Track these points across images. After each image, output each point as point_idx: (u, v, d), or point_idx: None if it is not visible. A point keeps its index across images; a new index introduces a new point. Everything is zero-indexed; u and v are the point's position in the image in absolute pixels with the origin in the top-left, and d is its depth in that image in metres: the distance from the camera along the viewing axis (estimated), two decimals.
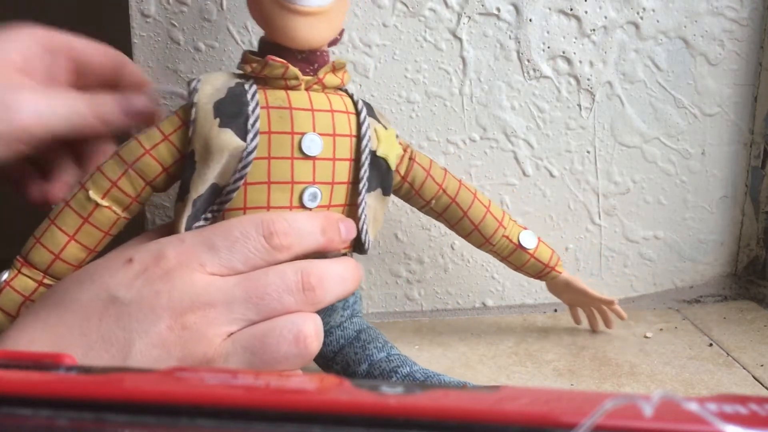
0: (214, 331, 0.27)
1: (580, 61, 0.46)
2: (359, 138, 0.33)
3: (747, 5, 0.46)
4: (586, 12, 0.45)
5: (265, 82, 0.31)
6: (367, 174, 0.33)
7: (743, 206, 0.51)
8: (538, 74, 0.46)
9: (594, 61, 0.46)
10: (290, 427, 0.13)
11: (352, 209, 0.34)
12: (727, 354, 0.42)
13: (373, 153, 0.33)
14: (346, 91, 0.34)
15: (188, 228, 0.30)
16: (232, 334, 0.27)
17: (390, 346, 0.36)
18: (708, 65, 0.47)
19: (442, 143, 0.46)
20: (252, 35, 0.43)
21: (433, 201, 0.37)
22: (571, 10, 0.45)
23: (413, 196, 0.37)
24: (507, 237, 0.39)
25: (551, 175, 0.48)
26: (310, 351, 0.28)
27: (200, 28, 0.43)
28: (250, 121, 0.29)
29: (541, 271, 0.40)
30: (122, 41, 0.44)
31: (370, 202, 0.34)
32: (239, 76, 0.32)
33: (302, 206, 0.31)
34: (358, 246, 0.34)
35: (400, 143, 0.36)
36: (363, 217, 0.33)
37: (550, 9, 0.45)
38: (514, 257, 0.40)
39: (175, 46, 0.43)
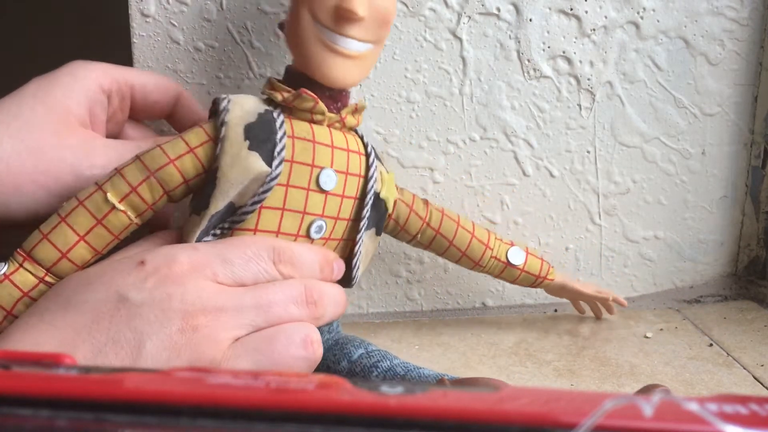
0: (224, 335, 0.27)
1: (581, 61, 0.46)
2: (366, 179, 0.34)
3: (747, 5, 0.46)
4: (586, 12, 0.45)
5: (291, 111, 0.32)
6: (368, 213, 0.34)
7: (743, 206, 0.51)
8: (538, 74, 0.46)
9: (594, 61, 0.46)
10: (290, 427, 0.13)
11: (347, 244, 0.35)
12: (728, 354, 0.42)
13: (376, 194, 0.35)
14: (356, 131, 0.35)
15: (198, 241, 0.31)
16: (239, 338, 0.28)
17: (367, 344, 0.37)
18: (708, 65, 0.47)
19: (442, 143, 0.46)
20: (252, 35, 0.43)
21: (419, 235, 0.39)
22: (571, 9, 0.45)
23: (399, 232, 0.39)
24: (495, 257, 0.41)
25: (551, 175, 0.48)
26: (317, 355, 0.29)
27: (200, 28, 0.43)
28: (277, 148, 0.30)
29: (533, 282, 0.42)
30: (122, 41, 0.44)
31: (365, 239, 0.35)
32: (265, 101, 0.33)
33: (308, 236, 0.33)
34: (345, 280, 0.35)
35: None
36: (358, 254, 0.35)
37: (550, 9, 0.45)
38: (506, 274, 0.42)
39: (174, 46, 0.43)
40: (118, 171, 0.30)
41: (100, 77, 0.35)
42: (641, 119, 0.48)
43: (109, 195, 0.30)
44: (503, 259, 0.41)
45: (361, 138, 0.35)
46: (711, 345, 0.43)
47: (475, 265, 0.41)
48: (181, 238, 0.32)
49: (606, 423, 0.13)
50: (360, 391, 0.14)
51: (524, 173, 0.48)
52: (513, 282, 0.42)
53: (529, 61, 0.45)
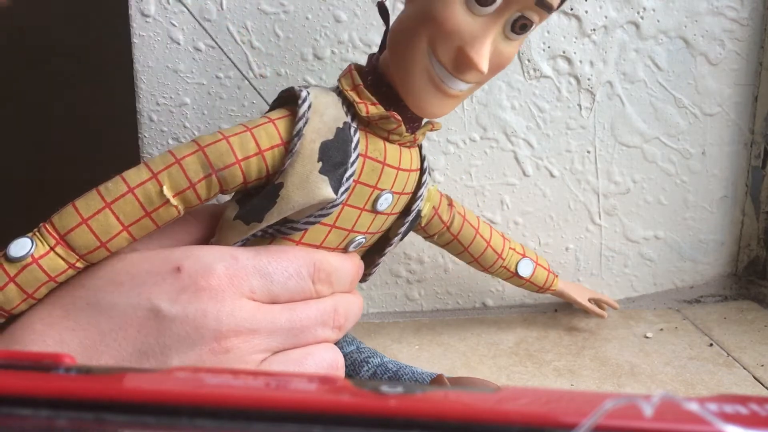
0: (254, 357, 0.27)
1: (581, 61, 0.46)
2: (414, 197, 0.33)
3: (747, 5, 0.46)
4: (586, 12, 0.45)
5: (367, 123, 0.29)
6: (404, 228, 0.34)
7: (743, 206, 0.51)
8: (538, 74, 0.46)
9: (594, 61, 0.46)
10: (290, 427, 0.13)
11: (378, 250, 0.34)
12: (728, 354, 0.42)
13: (418, 212, 0.34)
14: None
15: (236, 243, 0.29)
16: (265, 358, 0.28)
17: (358, 341, 0.38)
18: (708, 65, 0.47)
19: (442, 143, 0.46)
20: (252, 35, 0.43)
21: (436, 236, 0.39)
22: (572, 9, 0.45)
23: (418, 229, 0.38)
24: (505, 267, 0.41)
25: (551, 175, 0.48)
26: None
27: (200, 28, 0.43)
28: (348, 173, 0.28)
29: (536, 290, 0.44)
30: (122, 41, 0.44)
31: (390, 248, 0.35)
32: (342, 99, 0.30)
33: (345, 249, 0.32)
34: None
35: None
36: (382, 261, 0.35)
37: None
38: (512, 281, 0.43)
39: (175, 46, 0.43)
40: (178, 161, 0.27)
41: None
42: (641, 119, 0.48)
43: (165, 188, 0.27)
44: (512, 269, 0.41)
45: (420, 149, 0.33)
46: (711, 345, 0.43)
47: (484, 270, 0.41)
48: (218, 237, 0.30)
49: (606, 423, 0.13)
50: (360, 391, 0.14)
51: (524, 173, 0.48)
52: (518, 287, 0.43)
53: (529, 61, 0.45)
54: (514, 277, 0.42)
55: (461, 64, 0.27)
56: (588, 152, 0.48)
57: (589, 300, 0.46)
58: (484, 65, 0.27)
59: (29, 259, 0.26)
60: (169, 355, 0.25)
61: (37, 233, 0.27)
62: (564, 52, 0.46)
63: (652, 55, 0.46)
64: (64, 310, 0.26)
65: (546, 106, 0.46)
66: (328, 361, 0.29)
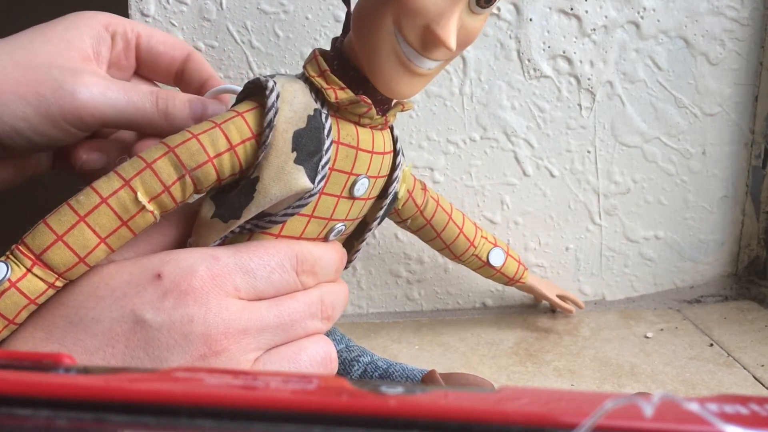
0: (246, 357, 0.27)
1: (581, 61, 0.46)
2: (389, 179, 0.32)
3: (747, 5, 0.46)
4: (586, 11, 0.45)
5: (337, 109, 0.29)
6: (382, 212, 0.33)
7: (744, 206, 0.51)
8: (538, 74, 0.46)
9: (594, 61, 0.46)
10: (290, 427, 0.13)
11: (357, 236, 0.35)
12: (728, 354, 0.42)
13: (395, 194, 0.34)
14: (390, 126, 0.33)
15: (215, 243, 0.29)
16: (258, 357, 0.27)
17: (347, 339, 0.37)
18: (709, 65, 0.47)
19: (442, 143, 0.46)
20: (252, 35, 0.43)
21: (409, 220, 0.38)
22: (572, 9, 0.45)
23: (392, 213, 0.38)
24: (476, 256, 0.41)
25: (551, 174, 0.48)
26: (335, 371, 0.29)
27: (200, 28, 0.43)
28: (323, 161, 0.28)
29: (506, 282, 0.44)
30: None
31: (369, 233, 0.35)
32: (309, 85, 0.29)
33: (325, 238, 0.31)
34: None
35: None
36: (362, 246, 0.35)
37: (550, 8, 0.45)
38: (482, 271, 0.42)
39: None
40: (149, 165, 0.26)
41: (107, 19, 0.33)
42: (641, 119, 0.48)
43: (139, 195, 0.26)
44: (484, 258, 0.41)
45: (391, 130, 0.32)
46: (711, 345, 0.43)
47: (456, 258, 0.41)
48: (196, 238, 0.29)
49: (606, 423, 0.13)
50: (360, 391, 0.14)
51: (524, 173, 0.48)
52: (487, 278, 0.43)
53: (529, 60, 0.45)
54: (485, 266, 0.41)
55: (428, 42, 0.26)
56: (588, 152, 0.48)
57: (557, 296, 0.47)
58: (452, 42, 0.26)
59: (6, 284, 0.25)
60: (161, 366, 0.25)
61: (11, 256, 0.26)
62: (564, 52, 0.46)
63: (652, 55, 0.46)
64: (45, 331, 0.26)
65: (546, 106, 0.46)
66: (322, 354, 0.29)
